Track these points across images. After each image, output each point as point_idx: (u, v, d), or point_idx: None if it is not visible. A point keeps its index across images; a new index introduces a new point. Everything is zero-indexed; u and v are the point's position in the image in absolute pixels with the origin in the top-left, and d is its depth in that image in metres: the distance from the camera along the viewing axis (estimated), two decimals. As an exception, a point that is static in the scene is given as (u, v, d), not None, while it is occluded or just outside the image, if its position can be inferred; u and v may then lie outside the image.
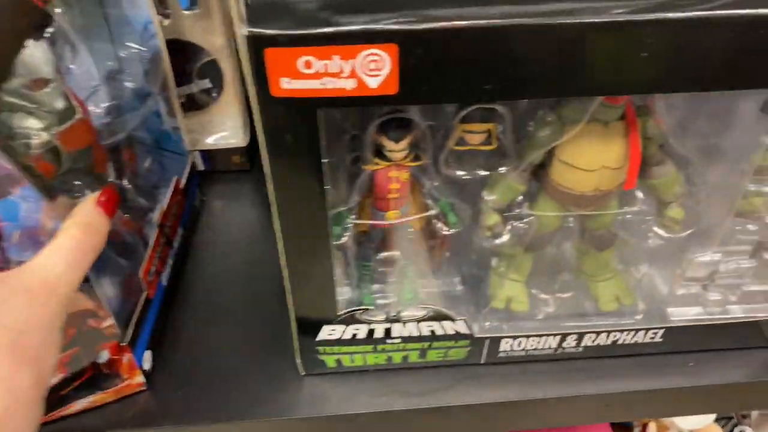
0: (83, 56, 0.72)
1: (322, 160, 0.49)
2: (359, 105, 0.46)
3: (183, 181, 0.80)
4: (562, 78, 0.45)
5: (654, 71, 0.45)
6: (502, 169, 0.56)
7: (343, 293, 0.64)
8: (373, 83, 0.44)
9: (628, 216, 0.62)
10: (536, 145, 0.55)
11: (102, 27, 0.73)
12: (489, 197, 0.59)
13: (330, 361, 0.68)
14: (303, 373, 0.70)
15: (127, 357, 0.64)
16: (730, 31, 0.43)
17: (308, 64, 0.43)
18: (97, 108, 0.72)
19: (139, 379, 0.67)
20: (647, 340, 0.69)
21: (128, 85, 0.75)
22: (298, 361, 0.68)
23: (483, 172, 0.56)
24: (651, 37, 0.43)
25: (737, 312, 0.69)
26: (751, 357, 0.71)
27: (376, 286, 0.66)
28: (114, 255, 0.67)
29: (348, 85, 0.44)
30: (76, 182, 0.58)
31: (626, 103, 0.53)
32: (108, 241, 0.56)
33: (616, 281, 0.68)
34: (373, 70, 0.44)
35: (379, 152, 0.53)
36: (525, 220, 0.62)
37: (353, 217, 0.58)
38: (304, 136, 0.47)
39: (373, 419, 0.67)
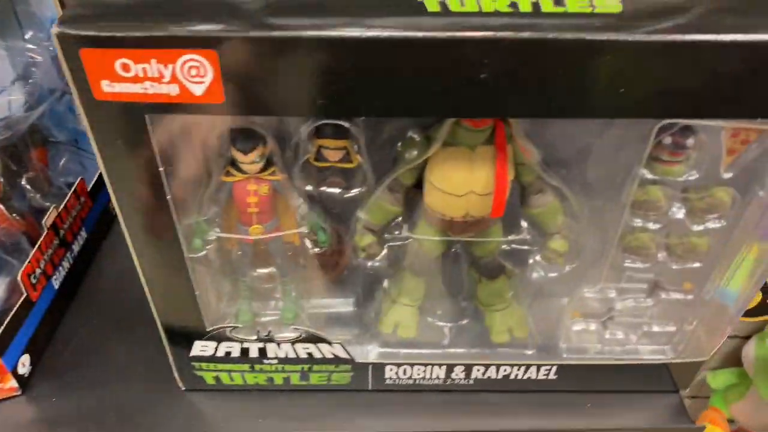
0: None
1: (160, 168, 0.47)
2: (187, 113, 0.44)
3: (90, 183, 0.79)
4: (397, 97, 0.43)
5: (493, 94, 0.43)
6: (355, 191, 0.53)
7: (220, 308, 0.62)
8: (197, 90, 0.43)
9: (511, 246, 0.59)
10: (401, 166, 0.53)
11: (13, 24, 0.73)
12: (363, 216, 0.57)
13: (209, 378, 0.66)
14: (183, 388, 0.67)
15: (-6, 360, 0.63)
16: (572, 54, 0.40)
17: (126, 67, 0.41)
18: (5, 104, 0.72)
19: (11, 383, 0.65)
20: (541, 376, 0.66)
21: (38, 82, 0.75)
22: (176, 375, 0.66)
23: (336, 190, 0.54)
24: (489, 58, 0.41)
25: (638, 353, 0.65)
26: (655, 401, 0.68)
27: (257, 304, 0.64)
28: (3, 254, 0.66)
29: (171, 90, 0.42)
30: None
31: (496, 127, 0.51)
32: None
33: (510, 312, 0.65)
34: (195, 76, 0.42)
35: (235, 164, 0.52)
36: (399, 243, 0.59)
37: (217, 229, 0.56)
38: (135, 141, 0.45)
39: (246, 441, 0.65)
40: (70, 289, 0.75)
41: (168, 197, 0.49)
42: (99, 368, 0.69)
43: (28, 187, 0.71)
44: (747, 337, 1.55)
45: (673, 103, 0.43)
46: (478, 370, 0.65)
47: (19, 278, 0.65)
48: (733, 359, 1.61)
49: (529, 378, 0.66)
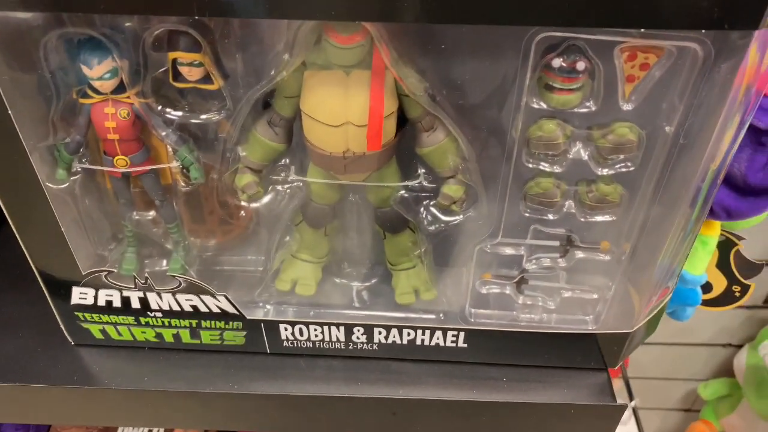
0: None
1: (-7, 76, 0.44)
2: (10, 9, 0.40)
3: None
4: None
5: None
6: (212, 114, 0.49)
7: (96, 251, 0.58)
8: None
9: (409, 194, 0.54)
10: (276, 94, 0.49)
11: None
12: (242, 153, 0.53)
13: (95, 331, 0.62)
14: (72, 343, 0.64)
15: None
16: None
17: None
18: None
19: None
20: (449, 343, 0.60)
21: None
22: (63, 327, 0.62)
23: (198, 116, 0.49)
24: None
25: (557, 322, 0.60)
26: (579, 378, 0.62)
27: (145, 250, 0.60)
28: None
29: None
30: None
31: (372, 48, 0.46)
32: None
33: (417, 272, 0.60)
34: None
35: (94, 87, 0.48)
36: (287, 186, 0.55)
37: (84, 160, 0.52)
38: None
39: (127, 398, 0.61)
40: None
41: (9, 112, 0.45)
42: (-8, 320, 0.66)
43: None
44: (740, 346, 1.47)
45: (546, 6, 0.38)
46: (380, 333, 0.60)
47: None
48: (725, 370, 1.53)
49: (437, 345, 0.60)
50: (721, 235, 0.76)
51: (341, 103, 0.47)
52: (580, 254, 0.56)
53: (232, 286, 0.59)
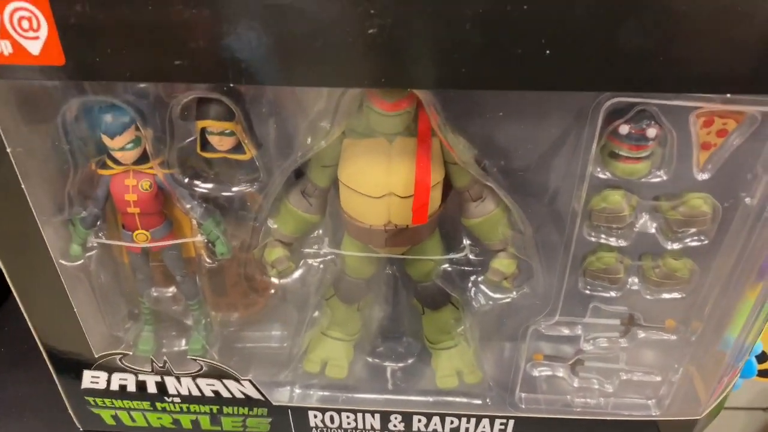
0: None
1: (7, 149, 0.40)
2: (29, 78, 0.37)
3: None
4: (277, 64, 0.35)
5: (394, 58, 0.34)
6: (247, 186, 0.45)
7: (111, 332, 0.53)
8: (33, 49, 0.36)
9: (453, 267, 0.50)
10: (312, 163, 0.45)
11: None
12: (273, 226, 0.48)
13: (107, 417, 0.56)
14: (81, 429, 0.58)
15: None
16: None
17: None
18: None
19: None
20: (497, 432, 0.55)
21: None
22: (71, 412, 0.57)
23: (227, 188, 0.45)
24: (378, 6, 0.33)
25: (616, 407, 0.54)
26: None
27: (164, 329, 0.55)
28: None
29: (4, 49, 0.36)
30: None
31: (419, 114, 0.42)
32: None
33: (459, 352, 0.55)
34: (28, 30, 0.35)
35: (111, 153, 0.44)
36: (320, 260, 0.50)
37: (101, 235, 0.48)
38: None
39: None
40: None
41: (22, 186, 0.41)
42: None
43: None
44: (784, 412, 1.38)
45: (617, 70, 0.34)
46: (420, 421, 0.54)
47: None
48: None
49: (482, 434, 0.55)
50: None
51: (384, 173, 0.43)
52: (642, 333, 0.51)
53: (256, 365, 0.54)
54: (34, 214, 0.43)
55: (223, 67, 0.35)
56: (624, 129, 0.40)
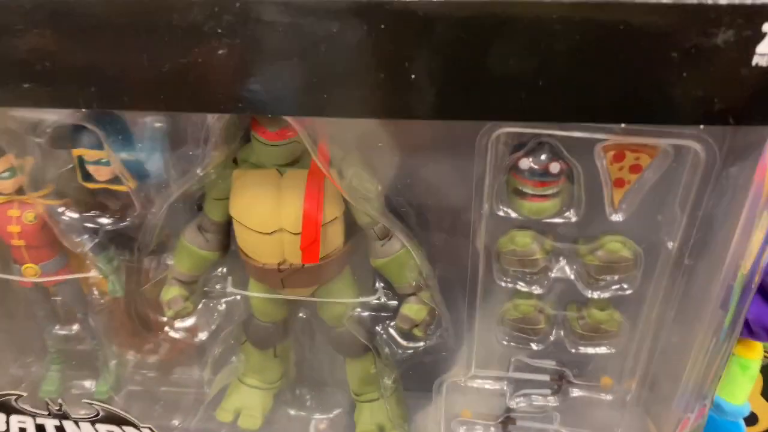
0: None
1: None
2: None
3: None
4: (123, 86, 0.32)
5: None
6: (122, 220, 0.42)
7: (9, 370, 0.51)
8: None
9: (363, 311, 0.45)
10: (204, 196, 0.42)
11: None
12: (170, 262, 0.45)
13: (11, 463, 0.53)
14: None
15: None
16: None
17: None
18: None
19: None
20: (420, 497, 0.49)
21: None
22: (-25, 456, 0.54)
23: (106, 219, 0.42)
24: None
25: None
26: None
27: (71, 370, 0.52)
28: None
29: None
30: None
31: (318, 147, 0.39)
32: None
33: (381, 405, 0.50)
34: None
35: None
36: (224, 300, 0.47)
37: (-7, 268, 0.46)
38: None
39: None
40: None
41: None
42: None
43: None
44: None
45: (495, 98, 0.30)
46: (336, 480, 0.50)
47: None
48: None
49: (404, 498, 0.50)
50: (765, 357, 0.64)
51: (273, 207, 0.40)
52: (576, 391, 0.46)
53: (165, 410, 0.51)
54: None
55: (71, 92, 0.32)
56: (525, 164, 0.36)
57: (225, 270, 0.47)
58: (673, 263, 0.37)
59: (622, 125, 0.31)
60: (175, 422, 0.50)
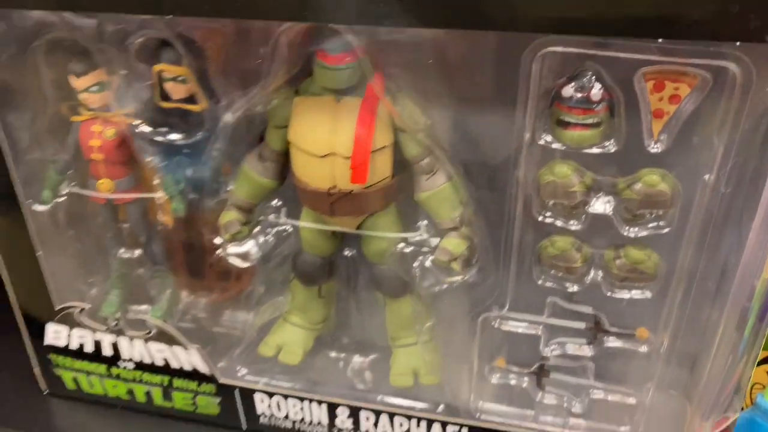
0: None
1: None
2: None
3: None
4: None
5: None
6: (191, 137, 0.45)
7: (76, 285, 0.55)
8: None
9: (406, 247, 0.47)
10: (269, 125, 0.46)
11: None
12: (230, 187, 0.49)
13: (68, 380, 0.57)
14: (46, 391, 0.59)
15: None
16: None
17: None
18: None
19: None
20: (450, 442, 0.50)
21: None
22: (37, 372, 0.58)
23: (177, 136, 0.46)
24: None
25: (582, 429, 0.48)
26: None
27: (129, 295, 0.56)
28: None
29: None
30: None
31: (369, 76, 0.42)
32: None
33: (418, 350, 0.51)
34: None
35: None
36: (277, 230, 0.50)
37: (74, 184, 0.50)
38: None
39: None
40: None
41: (-7, 122, 0.45)
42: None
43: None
44: None
45: (542, 10, 0.33)
46: (368, 419, 0.51)
47: None
48: None
49: (434, 442, 0.50)
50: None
51: (328, 132, 0.43)
52: (612, 342, 0.46)
53: (216, 348, 0.53)
54: (6, 150, 0.46)
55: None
56: (567, 91, 0.38)
57: (280, 203, 0.50)
58: (710, 196, 0.37)
59: (660, 40, 0.33)
60: (220, 352, 0.53)
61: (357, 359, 0.55)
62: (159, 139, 0.46)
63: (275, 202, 0.50)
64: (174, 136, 0.46)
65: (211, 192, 0.50)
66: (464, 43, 0.38)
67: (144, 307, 0.55)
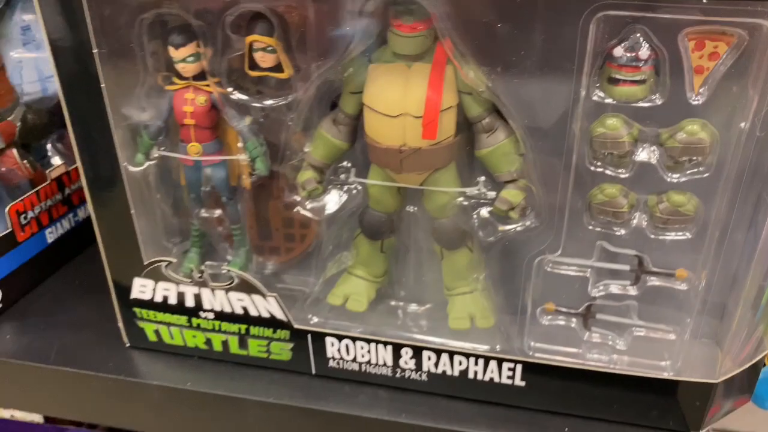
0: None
1: (94, 50, 0.49)
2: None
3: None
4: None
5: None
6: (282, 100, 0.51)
7: (162, 242, 0.60)
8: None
9: (465, 201, 0.53)
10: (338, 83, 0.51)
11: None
12: (307, 149, 0.54)
13: (149, 332, 0.62)
14: (127, 344, 0.64)
15: (-37, 279, 0.65)
16: None
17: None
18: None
19: (-24, 311, 0.66)
20: (505, 379, 0.55)
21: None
22: (121, 326, 0.63)
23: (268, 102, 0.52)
24: None
25: (627, 364, 0.53)
26: (655, 440, 0.54)
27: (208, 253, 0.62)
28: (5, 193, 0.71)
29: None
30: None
31: (434, 43, 0.48)
32: None
33: (474, 298, 0.57)
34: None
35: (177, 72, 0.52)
36: (347, 188, 0.55)
37: (163, 149, 0.56)
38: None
39: (168, 396, 0.59)
40: (65, 252, 0.77)
41: (102, 85, 0.50)
42: (62, 322, 0.68)
43: (50, 146, 0.77)
44: None
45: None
46: (430, 359, 0.56)
47: (6, 210, 0.68)
48: None
49: (491, 380, 0.55)
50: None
51: (400, 94, 0.48)
52: (653, 281, 0.51)
53: (284, 303, 0.59)
54: (110, 115, 0.52)
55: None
56: (618, 51, 0.43)
57: (349, 164, 0.56)
58: (745, 141, 0.42)
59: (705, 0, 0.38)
60: (292, 302, 0.58)
61: (413, 308, 0.60)
62: (246, 104, 0.51)
63: (346, 164, 0.55)
64: (260, 102, 0.51)
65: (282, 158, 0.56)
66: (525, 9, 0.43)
67: (220, 263, 0.61)
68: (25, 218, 0.71)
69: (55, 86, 0.78)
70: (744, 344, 0.51)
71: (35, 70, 0.77)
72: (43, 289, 0.74)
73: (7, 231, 0.68)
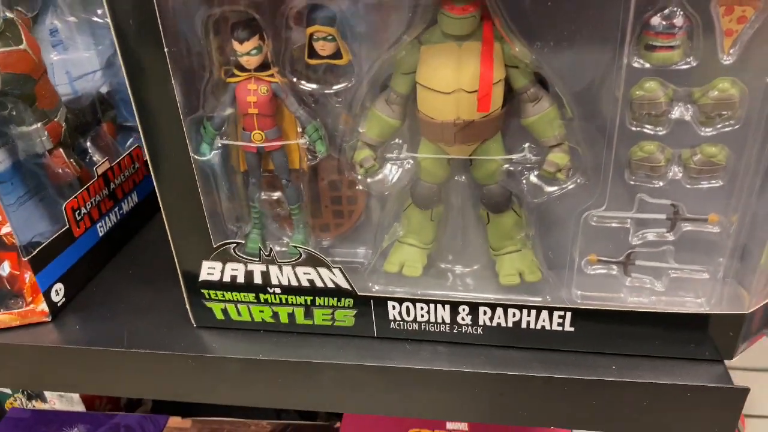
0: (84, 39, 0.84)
1: (164, 49, 0.52)
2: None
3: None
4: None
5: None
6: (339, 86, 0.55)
7: (228, 227, 0.64)
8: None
9: (511, 167, 0.57)
10: (391, 67, 0.55)
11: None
12: (361, 129, 0.58)
13: (217, 311, 0.67)
14: (195, 325, 0.68)
15: (29, 276, 0.68)
16: None
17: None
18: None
19: (43, 306, 0.69)
20: (555, 327, 0.60)
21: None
22: (188, 308, 0.67)
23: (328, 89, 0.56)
24: None
25: (666, 303, 0.59)
26: (693, 368, 0.60)
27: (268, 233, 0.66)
28: (49, 186, 0.73)
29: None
30: (10, 105, 0.66)
31: (484, 22, 0.52)
32: (45, 173, 0.69)
33: (521, 255, 0.62)
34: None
35: (241, 64, 0.56)
36: (400, 162, 0.60)
37: (225, 138, 0.59)
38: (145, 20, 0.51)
39: (242, 368, 0.64)
40: (115, 244, 0.81)
41: (172, 81, 0.53)
42: (124, 310, 0.72)
43: (89, 144, 0.79)
44: None
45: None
46: (485, 314, 0.61)
47: (63, 208, 0.71)
48: None
49: (543, 329, 0.61)
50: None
51: (454, 72, 0.53)
52: (687, 227, 0.56)
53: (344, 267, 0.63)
54: (179, 108, 0.55)
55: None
56: (655, 20, 0.48)
57: (400, 141, 0.60)
58: (772, 96, 0.48)
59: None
60: (354, 272, 0.63)
61: (460, 269, 0.65)
62: (307, 90, 0.55)
63: (397, 140, 0.60)
64: (320, 89, 0.55)
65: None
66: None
67: (281, 241, 0.65)
68: (79, 214, 0.74)
69: (84, 87, 0.83)
70: (766, 282, 0.57)
71: (65, 72, 0.80)
72: (99, 281, 0.77)
73: (65, 228, 0.72)
